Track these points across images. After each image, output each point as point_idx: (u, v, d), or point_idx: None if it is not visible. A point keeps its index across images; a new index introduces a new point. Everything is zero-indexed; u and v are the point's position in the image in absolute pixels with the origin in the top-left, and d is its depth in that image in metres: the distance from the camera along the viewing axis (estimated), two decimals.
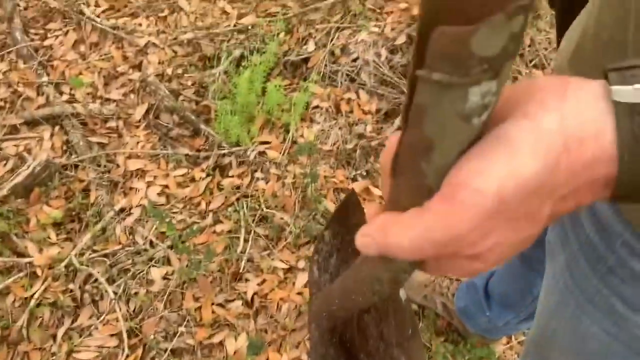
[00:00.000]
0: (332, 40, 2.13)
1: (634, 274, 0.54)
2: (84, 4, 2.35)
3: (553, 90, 0.31)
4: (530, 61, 2.05)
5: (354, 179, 1.85)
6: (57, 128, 1.99)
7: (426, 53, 0.27)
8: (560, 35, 0.70)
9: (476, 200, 0.29)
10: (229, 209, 1.78)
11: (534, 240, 0.34)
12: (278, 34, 2.15)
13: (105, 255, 1.68)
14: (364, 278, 0.40)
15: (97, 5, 2.38)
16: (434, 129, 0.30)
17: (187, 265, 1.64)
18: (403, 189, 0.34)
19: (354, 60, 2.08)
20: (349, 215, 0.49)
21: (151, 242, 1.71)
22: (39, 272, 1.65)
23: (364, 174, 1.87)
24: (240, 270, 1.66)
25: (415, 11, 2.13)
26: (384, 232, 0.33)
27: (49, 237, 1.73)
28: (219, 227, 1.75)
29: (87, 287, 1.64)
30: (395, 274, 0.38)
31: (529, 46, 2.07)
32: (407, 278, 0.38)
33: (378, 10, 2.16)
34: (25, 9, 2.37)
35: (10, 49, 2.20)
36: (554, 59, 0.72)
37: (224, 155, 1.91)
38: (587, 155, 0.30)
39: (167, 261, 1.68)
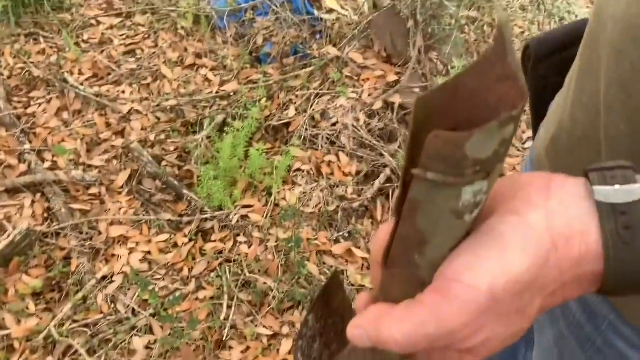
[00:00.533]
0: (312, 105, 2.19)
1: (621, 355, 0.54)
2: (67, 72, 2.40)
3: (537, 187, 0.32)
4: None
5: (337, 241, 1.87)
6: (38, 195, 1.98)
7: (422, 153, 0.29)
8: (535, 117, 0.73)
9: (470, 297, 0.30)
10: (212, 274, 1.78)
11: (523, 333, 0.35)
12: (259, 100, 2.22)
13: (86, 325, 1.65)
14: None
15: (80, 73, 2.43)
16: (427, 224, 0.31)
17: (170, 334, 1.62)
18: (395, 280, 0.35)
19: (334, 124, 2.14)
20: (331, 297, 0.48)
21: (133, 311, 1.69)
22: (16, 345, 1.61)
23: (346, 235, 1.89)
24: (224, 338, 1.64)
25: (390, 78, 2.22)
26: (376, 325, 0.34)
27: (28, 308, 1.70)
28: (201, 294, 1.74)
29: (67, 359, 1.60)
30: None
31: None
32: None
33: (355, 78, 2.25)
34: (9, 77, 2.40)
35: None
36: (531, 147, 0.75)
37: (206, 219, 1.92)
38: (574, 252, 0.31)
39: (150, 330, 1.66)
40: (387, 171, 2.01)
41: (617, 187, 0.31)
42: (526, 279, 0.31)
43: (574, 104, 0.55)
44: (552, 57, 0.65)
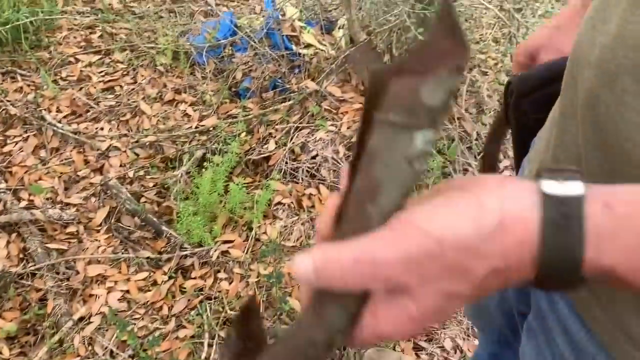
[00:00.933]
0: (291, 139, 2.21)
1: None
2: (45, 110, 2.39)
3: (494, 180, 0.36)
4: (479, 154, 2.17)
5: None
6: (14, 236, 1.95)
7: (383, 101, 0.33)
8: (517, 152, 0.74)
9: (420, 238, 0.34)
10: (192, 312, 1.75)
11: (469, 302, 0.36)
12: (239, 134, 2.22)
13: None
14: (298, 345, 0.39)
15: (58, 110, 2.42)
16: (383, 171, 0.35)
17: None
18: (346, 237, 0.36)
19: (314, 157, 2.15)
20: (249, 321, 0.46)
21: (112, 352, 1.65)
22: None
23: None
24: None
25: None
26: (323, 249, 0.35)
27: (2, 353, 1.65)
28: (182, 332, 1.71)
29: None
30: (330, 334, 0.37)
31: (476, 139, 2.19)
32: (342, 341, 0.38)
33: (334, 111, 2.27)
34: None
35: None
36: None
37: (186, 256, 1.90)
38: (518, 235, 0.34)
39: None
40: None
41: (561, 182, 0.35)
42: (472, 243, 0.34)
43: (556, 144, 0.57)
44: (534, 94, 0.68)
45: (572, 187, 0.34)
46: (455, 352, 1.70)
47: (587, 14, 0.55)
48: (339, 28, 2.54)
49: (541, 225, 0.34)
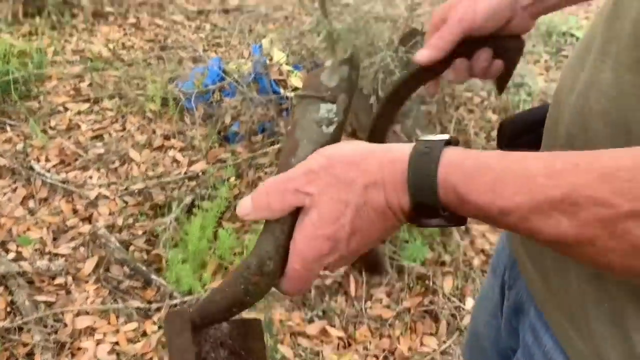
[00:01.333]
0: None
1: None
2: (34, 159, 2.39)
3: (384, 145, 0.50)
4: None
5: (311, 320, 1.84)
6: (1, 289, 1.92)
7: (303, 86, 0.53)
8: None
9: (318, 157, 0.47)
10: None
11: (361, 216, 0.46)
12: (228, 179, 2.23)
13: None
14: (237, 270, 0.48)
15: (47, 160, 2.42)
16: (300, 133, 0.50)
17: None
18: None
19: None
20: (248, 340, 0.51)
21: None
22: None
23: (321, 314, 1.86)
24: None
25: None
26: (255, 190, 0.49)
27: None
28: None
29: None
30: (260, 258, 0.47)
31: None
32: (271, 267, 0.47)
33: None
34: None
35: None
36: None
37: (176, 305, 1.87)
38: (393, 156, 0.45)
39: None
40: None
41: (434, 136, 0.46)
42: (353, 159, 0.46)
43: None
44: (527, 135, 0.71)
45: (439, 137, 0.46)
46: None
47: (568, 60, 0.61)
48: None
49: (411, 152, 0.45)
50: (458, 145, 0.47)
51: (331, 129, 0.50)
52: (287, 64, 2.66)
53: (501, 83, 0.77)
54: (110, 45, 3.08)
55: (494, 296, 0.84)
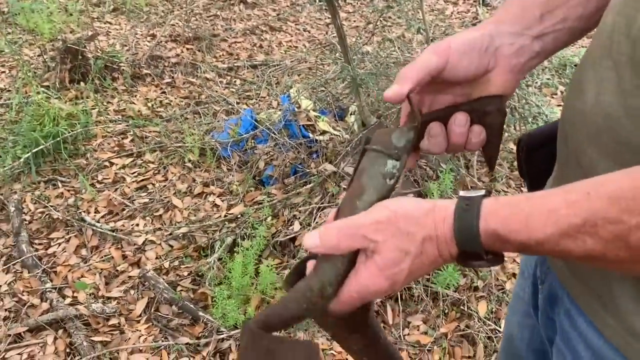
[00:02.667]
0: (314, 218, 2.33)
1: None
2: (84, 211, 2.57)
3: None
4: None
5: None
6: (60, 331, 2.05)
7: (371, 140, 0.61)
8: None
9: (384, 210, 0.56)
10: None
11: (419, 264, 0.55)
12: (265, 219, 2.36)
13: None
14: (300, 289, 0.56)
15: (96, 211, 2.59)
16: (367, 180, 0.58)
17: None
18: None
19: None
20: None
21: None
22: None
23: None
24: None
25: None
26: (324, 226, 0.58)
27: None
28: None
29: None
30: (322, 283, 0.55)
31: None
32: (329, 292, 0.55)
33: None
34: (30, 222, 2.57)
35: (16, 261, 2.34)
36: None
37: (223, 339, 1.97)
38: (442, 215, 0.54)
39: None
40: None
41: (471, 190, 0.56)
42: (414, 215, 0.55)
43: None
44: (542, 149, 0.78)
45: (476, 192, 0.55)
46: None
47: (570, 83, 0.68)
48: (351, 114, 2.74)
49: (455, 209, 0.54)
50: (491, 195, 0.55)
51: (392, 182, 0.58)
52: (314, 110, 2.83)
53: (489, 156, 0.70)
54: (149, 104, 3.31)
55: (525, 296, 0.90)
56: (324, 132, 2.71)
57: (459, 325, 1.98)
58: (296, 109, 2.79)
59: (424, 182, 2.33)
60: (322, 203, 2.40)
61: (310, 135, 2.69)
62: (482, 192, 0.55)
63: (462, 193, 0.56)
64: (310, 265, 0.60)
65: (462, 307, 2.01)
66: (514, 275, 2.09)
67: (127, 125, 3.11)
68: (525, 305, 0.90)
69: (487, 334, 1.93)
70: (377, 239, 0.54)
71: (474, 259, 0.55)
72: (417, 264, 0.55)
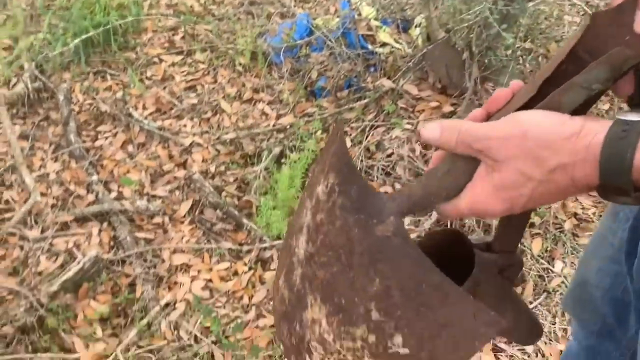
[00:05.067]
0: (367, 137, 2.22)
1: None
2: (132, 107, 2.52)
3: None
4: None
5: None
6: (105, 224, 2.07)
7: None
8: None
9: (514, 125, 0.49)
10: (272, 303, 1.80)
11: (537, 193, 0.48)
12: (315, 132, 2.26)
13: (151, 351, 1.69)
14: (426, 178, 0.55)
15: (144, 108, 2.54)
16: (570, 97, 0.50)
17: None
18: None
19: (389, 155, 2.16)
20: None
21: (195, 338, 1.72)
22: None
23: None
24: None
25: (446, 109, 2.23)
26: (447, 121, 0.53)
27: (95, 333, 1.76)
28: (261, 322, 1.76)
29: None
30: (445, 189, 0.53)
31: None
32: (443, 196, 0.53)
33: (410, 109, 2.27)
34: (79, 112, 2.54)
35: (64, 150, 2.34)
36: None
37: (265, 248, 1.95)
38: (587, 141, 0.46)
39: (212, 357, 1.68)
40: None
41: (631, 112, 0.47)
42: (550, 139, 0.47)
43: None
44: None
45: (635, 114, 0.46)
46: (537, 356, 1.66)
47: None
48: (416, 26, 2.53)
49: (607, 134, 0.45)
50: None
51: (595, 89, 0.50)
52: (375, 19, 2.63)
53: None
54: (202, 0, 3.15)
55: (615, 240, 0.82)
56: (384, 44, 2.53)
57: None
58: (356, 17, 2.60)
59: None
60: (375, 121, 2.28)
61: (369, 46, 2.52)
62: None
63: (619, 116, 0.46)
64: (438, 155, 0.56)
65: None
66: (574, 215, 1.97)
67: (178, 21, 2.98)
68: (613, 250, 0.83)
69: (538, 272, 1.85)
70: (498, 158, 0.48)
71: (617, 194, 0.47)
72: (541, 191, 0.49)
